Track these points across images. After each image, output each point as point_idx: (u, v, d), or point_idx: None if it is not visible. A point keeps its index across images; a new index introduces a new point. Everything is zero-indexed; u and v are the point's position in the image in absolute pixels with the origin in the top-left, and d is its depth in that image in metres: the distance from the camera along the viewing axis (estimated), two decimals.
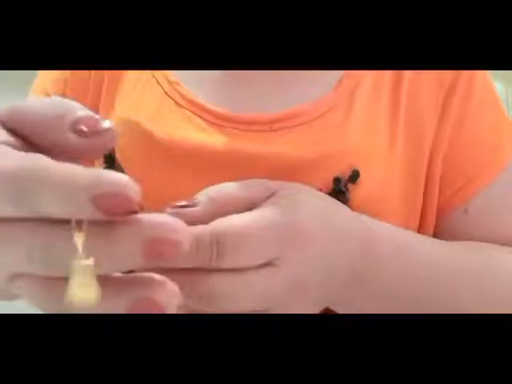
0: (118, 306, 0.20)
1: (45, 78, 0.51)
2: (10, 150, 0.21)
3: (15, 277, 0.21)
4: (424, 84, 0.45)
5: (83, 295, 0.19)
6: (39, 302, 0.21)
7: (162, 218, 0.19)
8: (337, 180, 0.40)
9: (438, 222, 0.46)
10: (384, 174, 0.42)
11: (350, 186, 0.40)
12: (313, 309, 0.35)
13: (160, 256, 0.19)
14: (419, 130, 0.44)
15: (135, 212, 0.19)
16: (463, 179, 0.45)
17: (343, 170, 0.40)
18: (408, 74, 0.45)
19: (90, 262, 0.19)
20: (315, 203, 0.34)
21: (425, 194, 0.45)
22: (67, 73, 0.50)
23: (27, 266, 0.20)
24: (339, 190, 0.39)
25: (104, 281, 0.19)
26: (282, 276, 0.30)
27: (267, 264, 0.30)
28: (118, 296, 0.20)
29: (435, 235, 0.46)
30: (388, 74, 0.45)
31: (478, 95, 0.46)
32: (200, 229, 0.29)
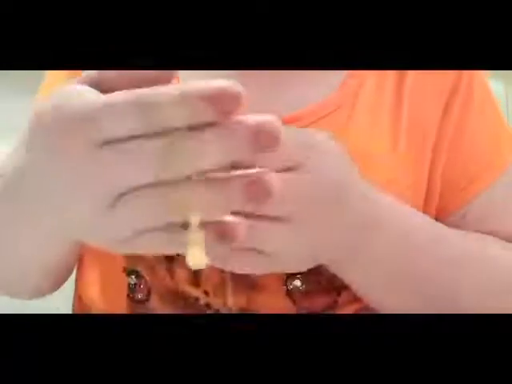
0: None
1: (53, 81, 0.51)
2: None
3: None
4: (427, 85, 0.45)
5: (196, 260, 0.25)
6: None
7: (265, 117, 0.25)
8: None
9: (438, 219, 0.46)
10: (387, 173, 0.42)
11: None
12: (323, 237, 0.35)
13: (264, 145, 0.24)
14: (422, 129, 0.45)
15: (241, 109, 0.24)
16: (464, 181, 0.45)
17: None
18: (411, 73, 0.45)
19: (201, 234, 0.25)
20: (343, 154, 0.36)
21: (426, 197, 0.46)
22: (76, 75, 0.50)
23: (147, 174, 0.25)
24: None
25: None
26: (302, 180, 0.33)
27: (292, 169, 0.32)
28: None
29: None
30: (391, 74, 0.45)
31: (477, 98, 0.46)
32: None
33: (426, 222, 0.42)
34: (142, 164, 0.25)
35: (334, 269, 0.38)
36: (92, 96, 0.26)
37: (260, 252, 0.33)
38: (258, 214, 0.31)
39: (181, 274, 0.41)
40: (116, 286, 0.44)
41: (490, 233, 0.45)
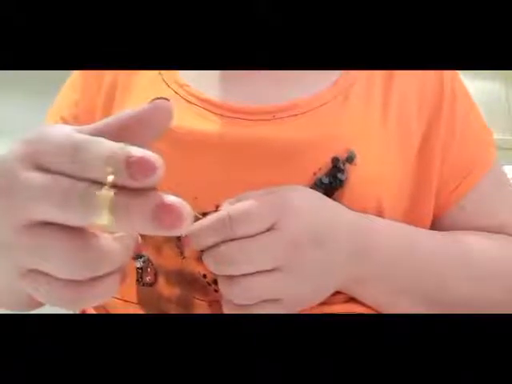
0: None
1: (61, 103, 0.55)
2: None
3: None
4: (411, 84, 0.50)
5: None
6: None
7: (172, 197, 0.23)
8: (335, 159, 0.43)
9: (437, 218, 0.50)
10: (378, 156, 0.45)
11: (347, 166, 0.43)
12: (319, 277, 0.39)
13: (165, 223, 0.23)
14: (407, 118, 0.49)
15: (155, 183, 0.23)
16: (457, 180, 0.49)
17: (340, 152, 0.43)
18: (398, 74, 0.50)
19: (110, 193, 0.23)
20: (307, 190, 0.40)
21: (424, 189, 0.48)
22: (78, 95, 0.54)
23: (60, 211, 0.24)
24: (338, 168, 0.43)
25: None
26: (280, 236, 0.36)
27: (269, 229, 0.36)
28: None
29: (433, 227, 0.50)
30: (379, 74, 0.49)
31: (460, 103, 0.51)
32: (219, 212, 0.37)
33: (410, 230, 0.45)
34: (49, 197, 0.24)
35: (346, 291, 0.42)
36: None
37: (272, 300, 0.37)
38: (252, 271, 0.36)
39: (188, 251, 0.43)
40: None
41: (483, 223, 0.49)
